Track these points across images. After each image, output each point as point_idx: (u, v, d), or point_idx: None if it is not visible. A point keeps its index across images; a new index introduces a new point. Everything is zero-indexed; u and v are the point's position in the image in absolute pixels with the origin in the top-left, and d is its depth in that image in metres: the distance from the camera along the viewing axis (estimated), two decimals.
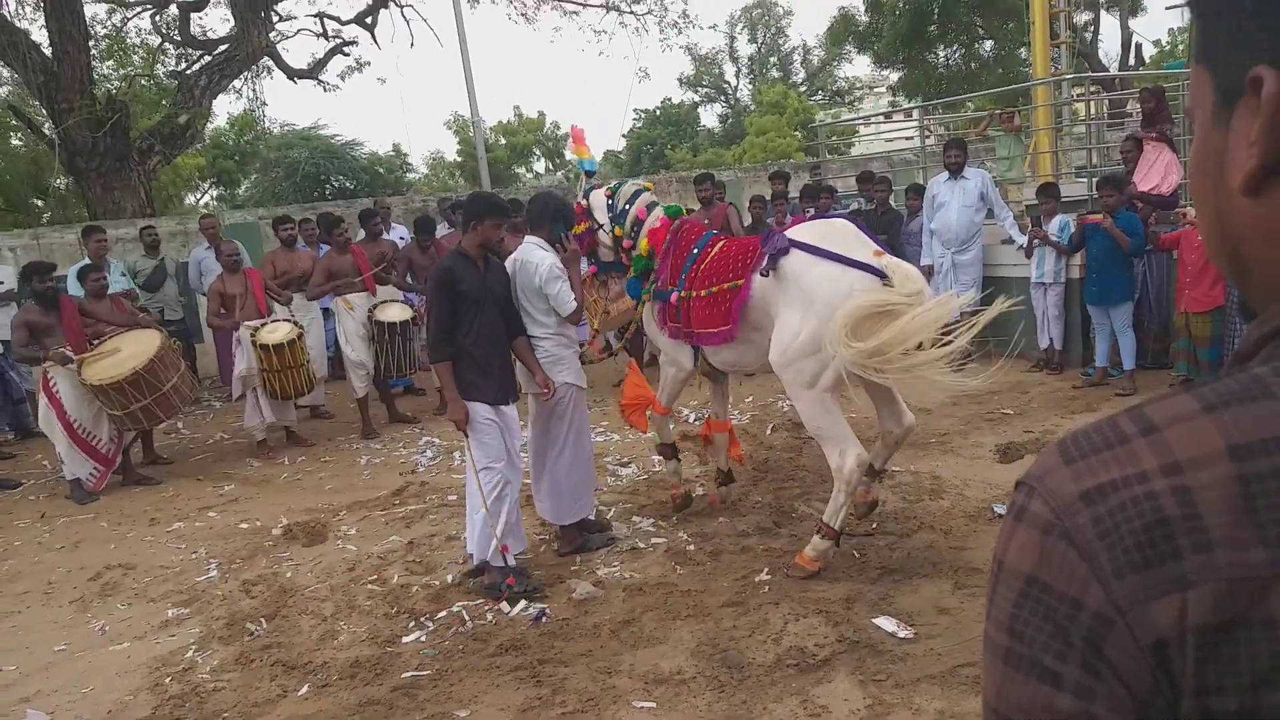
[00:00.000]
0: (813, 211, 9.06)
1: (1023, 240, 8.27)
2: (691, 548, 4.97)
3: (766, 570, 4.54)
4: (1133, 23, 23.92)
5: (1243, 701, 0.55)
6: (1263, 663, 0.55)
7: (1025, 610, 0.63)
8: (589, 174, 5.70)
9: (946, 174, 8.40)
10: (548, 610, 4.37)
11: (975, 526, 4.89)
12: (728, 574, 4.59)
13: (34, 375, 8.39)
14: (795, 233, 4.67)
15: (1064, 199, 8.25)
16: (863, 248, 4.52)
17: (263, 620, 4.61)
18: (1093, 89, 13.78)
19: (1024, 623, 0.63)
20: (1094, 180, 8.35)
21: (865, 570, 4.47)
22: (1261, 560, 0.55)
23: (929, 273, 8.52)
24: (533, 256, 4.90)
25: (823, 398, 4.53)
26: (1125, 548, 0.58)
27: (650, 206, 5.37)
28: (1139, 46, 25.34)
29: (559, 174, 40.58)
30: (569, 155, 6.88)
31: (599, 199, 5.52)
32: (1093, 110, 12.08)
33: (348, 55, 18.70)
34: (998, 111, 10.92)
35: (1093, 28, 24.02)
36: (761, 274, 4.55)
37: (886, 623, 3.91)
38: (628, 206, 5.36)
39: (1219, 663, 0.55)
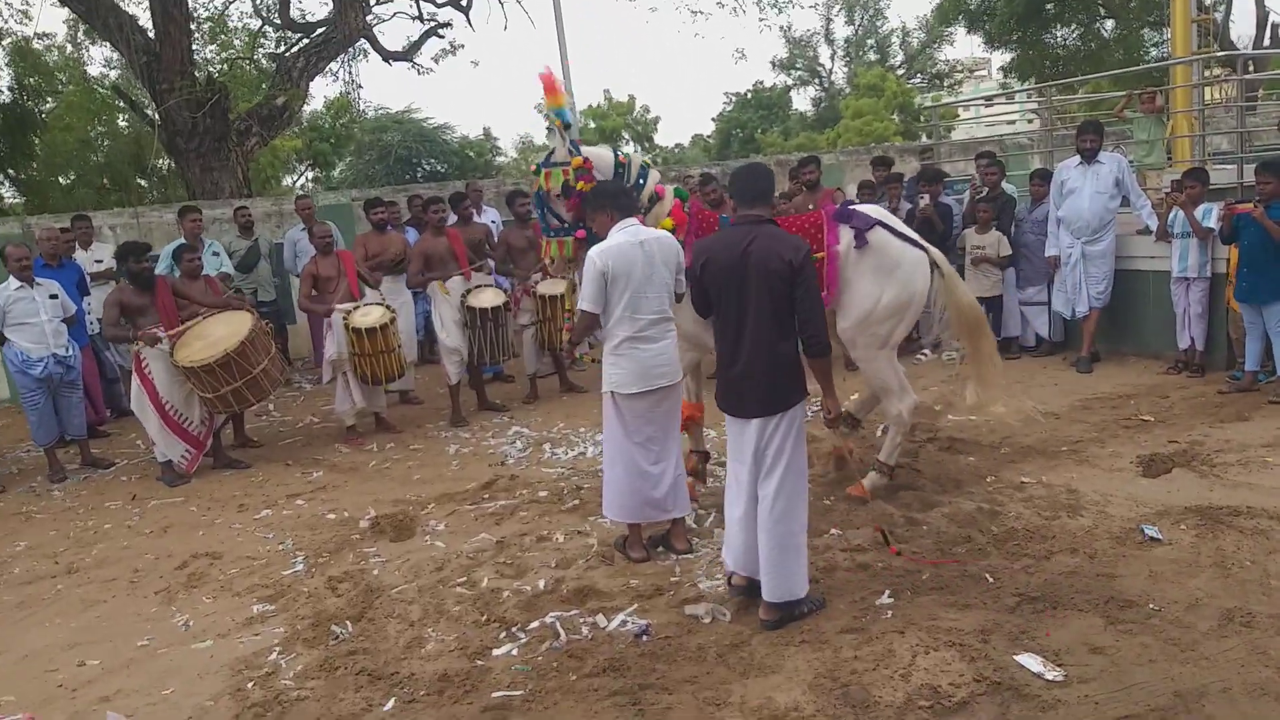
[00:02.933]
0: (927, 198, 8.54)
1: (1156, 225, 7.62)
2: None
3: (888, 593, 4.12)
4: (1269, 1, 22.45)
5: None
6: None
7: None
8: (567, 125, 5.16)
9: (1078, 158, 7.77)
10: (650, 627, 4.03)
11: (1124, 550, 4.38)
12: (844, 595, 4.19)
13: (130, 355, 8.41)
14: (868, 211, 5.23)
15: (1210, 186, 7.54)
16: (909, 230, 5.36)
17: (348, 622, 4.38)
18: (1227, 70, 12.85)
19: None
20: (1244, 166, 7.64)
21: (1000, 597, 4.01)
22: None
23: (1055, 264, 7.93)
24: (661, 234, 4.64)
25: (890, 355, 5.25)
26: None
27: (662, 185, 5.30)
28: (1276, 26, 23.74)
29: (646, 158, 40.30)
30: (546, 107, 6.03)
31: (605, 161, 5.18)
32: (1231, 93, 11.19)
33: (442, 38, 18.63)
34: (1137, 91, 10.14)
35: (1224, 6, 22.53)
36: (856, 246, 5.05)
37: (1031, 661, 3.46)
38: (642, 180, 5.22)
39: None
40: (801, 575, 3.97)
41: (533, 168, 5.31)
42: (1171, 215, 7.40)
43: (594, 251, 4.50)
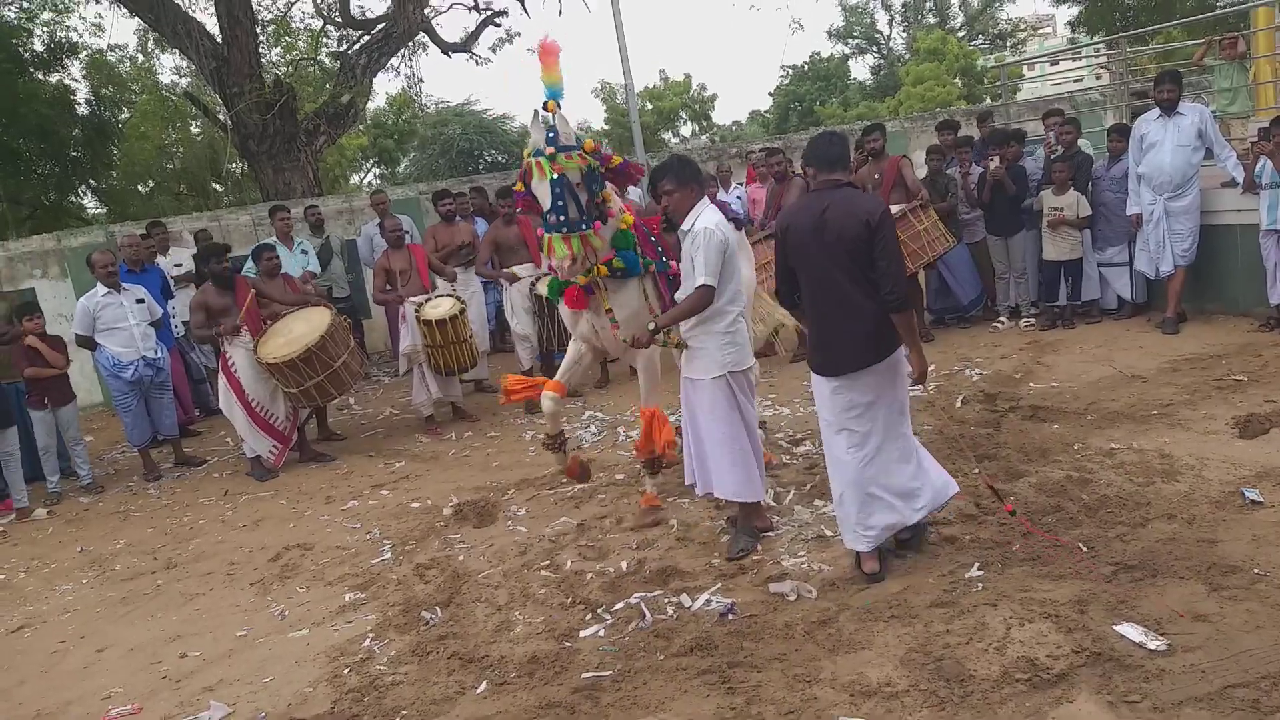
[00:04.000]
0: (998, 160, 8.31)
1: (1242, 177, 7.31)
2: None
3: (978, 565, 4.04)
4: None
5: None
6: None
7: None
8: (559, 102, 4.60)
9: (1157, 111, 7.48)
10: (736, 605, 4.02)
11: (1223, 515, 4.23)
12: (931, 568, 4.12)
13: (215, 355, 8.67)
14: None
15: None
16: None
17: (437, 608, 4.46)
18: None
19: None
20: None
21: (1095, 566, 3.91)
22: None
23: (1138, 222, 7.66)
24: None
25: None
26: None
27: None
28: None
29: (704, 137, 40.03)
30: (542, 83, 4.75)
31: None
32: None
33: (499, 26, 18.70)
34: (1217, 38, 9.71)
35: None
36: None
37: (1132, 631, 3.37)
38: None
39: None
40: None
41: (549, 151, 4.52)
42: (1259, 165, 7.07)
43: (711, 225, 4.35)
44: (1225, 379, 6.14)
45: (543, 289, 7.81)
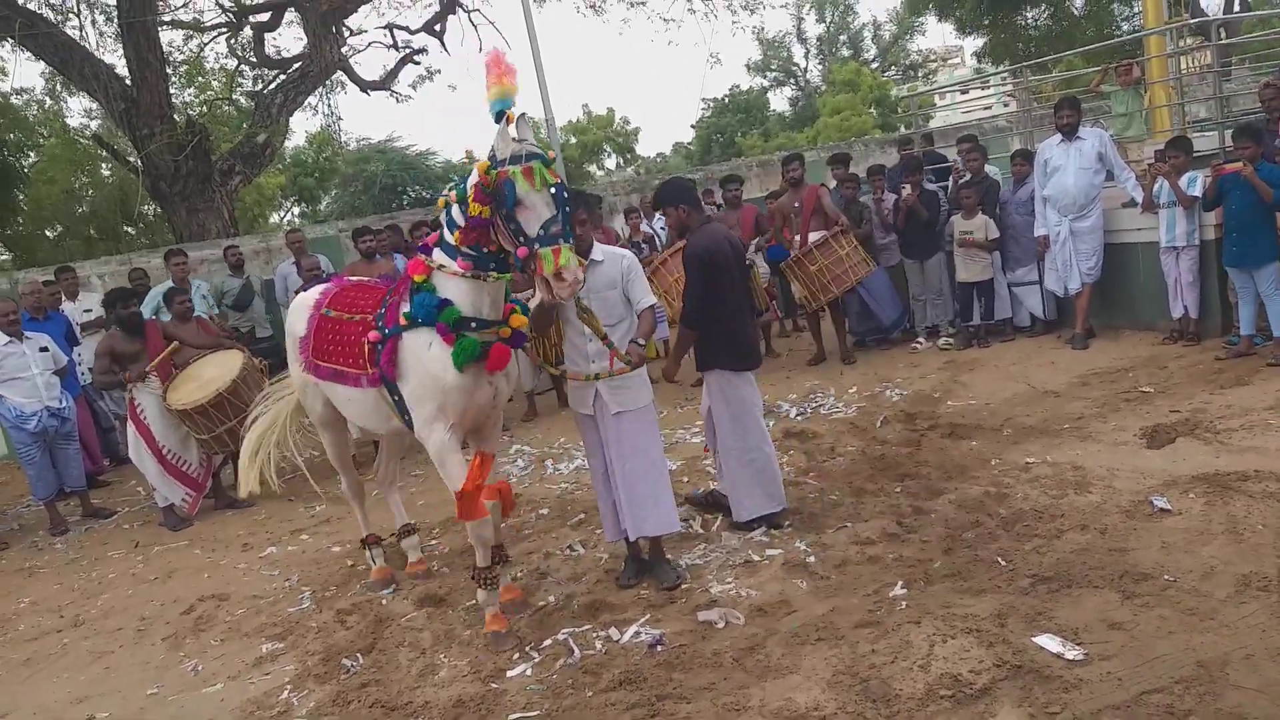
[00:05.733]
0: (909, 187, 8.52)
1: (1141, 197, 7.60)
2: (812, 559, 4.53)
3: (901, 584, 4.08)
4: None
5: None
6: None
7: None
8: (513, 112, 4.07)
9: (1059, 136, 7.75)
10: (664, 636, 3.98)
11: (1134, 524, 4.34)
12: (856, 589, 4.15)
13: (125, 402, 8.37)
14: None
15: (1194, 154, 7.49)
16: None
17: (359, 655, 4.33)
18: (1198, 38, 12.89)
19: None
20: (1224, 133, 7.63)
21: (1013, 579, 3.97)
22: None
23: (1045, 243, 7.89)
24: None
25: None
26: None
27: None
28: None
29: (630, 169, 40.32)
30: (495, 96, 4.06)
31: None
32: (1206, 60, 11.18)
33: (418, 64, 18.62)
34: (1113, 65, 10.11)
35: None
36: None
37: (1050, 642, 3.42)
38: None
39: None
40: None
41: (550, 155, 4.00)
42: (1157, 185, 7.37)
43: (627, 253, 4.60)
44: (1133, 391, 6.33)
45: None
